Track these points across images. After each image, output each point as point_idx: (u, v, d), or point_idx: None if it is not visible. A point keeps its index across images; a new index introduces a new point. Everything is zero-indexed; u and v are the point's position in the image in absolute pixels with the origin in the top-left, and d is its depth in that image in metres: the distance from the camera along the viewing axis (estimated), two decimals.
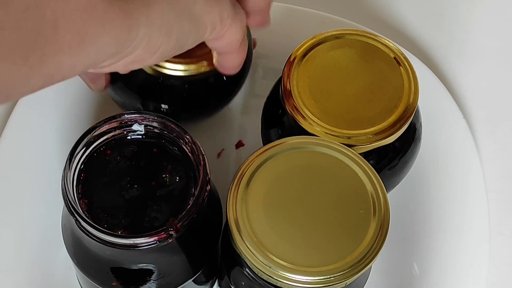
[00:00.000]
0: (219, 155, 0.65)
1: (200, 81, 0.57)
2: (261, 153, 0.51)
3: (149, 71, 0.55)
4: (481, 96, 0.70)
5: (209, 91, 0.59)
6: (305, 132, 0.53)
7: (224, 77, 0.58)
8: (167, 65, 0.55)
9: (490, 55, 0.72)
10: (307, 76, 0.55)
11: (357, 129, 0.53)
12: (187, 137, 0.50)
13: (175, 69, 0.55)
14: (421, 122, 0.58)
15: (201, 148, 0.50)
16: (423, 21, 0.73)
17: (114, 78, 0.58)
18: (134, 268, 0.50)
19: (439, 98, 0.66)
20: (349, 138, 0.53)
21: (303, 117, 0.53)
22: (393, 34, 0.71)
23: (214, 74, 0.56)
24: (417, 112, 0.57)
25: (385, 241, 0.49)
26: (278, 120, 0.57)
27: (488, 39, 0.73)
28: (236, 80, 0.60)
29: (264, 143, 0.58)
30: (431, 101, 0.65)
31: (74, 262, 0.52)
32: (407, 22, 0.73)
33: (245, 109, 0.66)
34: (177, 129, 0.51)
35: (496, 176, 0.66)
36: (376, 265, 0.50)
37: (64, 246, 0.53)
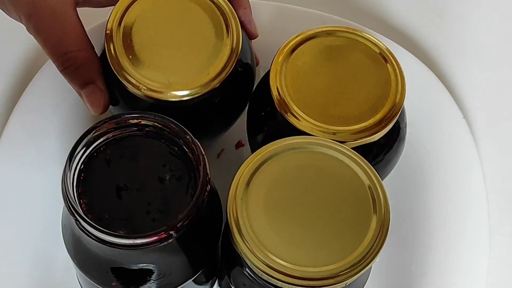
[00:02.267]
0: (219, 155, 0.65)
1: (202, 103, 0.56)
2: (261, 153, 0.51)
3: (148, 100, 0.55)
4: (481, 96, 0.70)
5: (211, 113, 0.58)
6: (291, 127, 0.53)
7: (226, 99, 0.57)
8: (167, 92, 0.54)
9: (490, 55, 0.72)
10: (296, 71, 0.55)
11: (342, 126, 0.53)
12: (187, 137, 0.50)
13: (175, 95, 0.54)
14: (406, 123, 0.58)
15: (201, 148, 0.50)
16: (423, 21, 0.73)
17: (116, 99, 0.57)
18: (134, 268, 0.51)
19: (439, 98, 0.66)
20: (334, 134, 0.53)
21: (289, 112, 0.53)
22: (393, 34, 0.71)
23: (216, 95, 0.56)
24: (403, 112, 0.57)
25: (385, 241, 0.49)
26: (264, 114, 0.57)
27: (488, 39, 0.73)
28: (241, 101, 0.60)
29: (250, 138, 0.59)
30: (431, 101, 0.65)
31: (74, 262, 0.52)
32: (407, 22, 0.73)
33: (245, 109, 0.66)
34: (177, 129, 0.50)
35: (496, 176, 0.66)
36: (376, 265, 0.50)
37: (64, 246, 0.53)
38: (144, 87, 0.54)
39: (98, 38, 0.58)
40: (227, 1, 0.56)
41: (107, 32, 0.55)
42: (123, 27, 0.55)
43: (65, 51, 0.55)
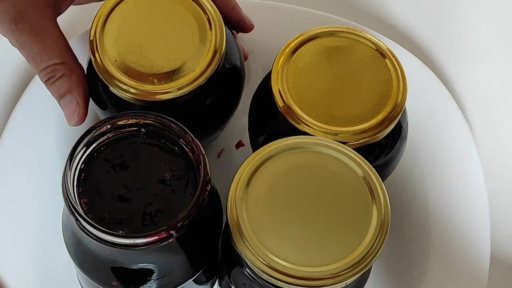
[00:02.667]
0: (219, 155, 0.65)
1: (191, 102, 0.56)
2: (261, 153, 0.51)
3: (138, 102, 0.55)
4: (481, 96, 0.70)
5: (201, 112, 0.58)
6: (293, 128, 0.53)
7: (214, 96, 0.57)
8: (155, 93, 0.54)
9: (490, 55, 0.72)
10: (297, 72, 0.55)
11: (344, 126, 0.53)
12: (188, 136, 0.50)
13: (163, 96, 0.54)
14: (407, 122, 0.58)
15: (202, 148, 0.50)
16: (423, 21, 0.73)
17: (105, 104, 0.57)
18: (134, 267, 0.50)
19: (439, 98, 0.66)
20: (336, 135, 0.53)
21: (293, 116, 0.53)
22: (393, 34, 0.71)
23: (204, 94, 0.56)
24: (404, 112, 0.57)
25: (385, 241, 0.49)
26: (266, 116, 0.57)
27: (488, 39, 0.73)
28: (231, 99, 0.60)
29: (251, 139, 0.58)
30: (431, 101, 0.65)
31: (75, 262, 0.52)
32: (407, 22, 0.73)
33: (245, 109, 0.66)
34: (177, 128, 0.51)
35: (496, 176, 0.66)
36: (376, 265, 0.50)
37: (64, 246, 0.53)
38: (132, 90, 0.54)
39: None
40: (210, 1, 0.56)
41: (91, 38, 0.55)
42: (107, 32, 0.55)
43: (46, 64, 0.56)
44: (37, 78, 0.64)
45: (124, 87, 0.54)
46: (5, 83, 0.68)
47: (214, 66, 0.55)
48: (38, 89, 0.64)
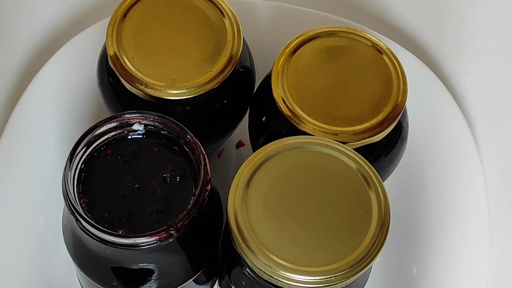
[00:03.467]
0: (219, 155, 0.65)
1: (204, 104, 0.56)
2: (261, 153, 0.51)
3: (153, 100, 0.55)
4: (481, 96, 0.70)
5: (215, 113, 0.58)
6: (293, 128, 0.53)
7: (229, 97, 0.57)
8: (172, 90, 0.54)
9: (490, 55, 0.72)
10: (298, 72, 0.55)
11: (344, 126, 0.53)
12: (188, 136, 0.50)
13: (179, 93, 0.54)
14: (408, 122, 0.58)
15: (202, 148, 0.50)
16: (423, 21, 0.73)
17: (117, 102, 0.57)
18: (134, 267, 0.51)
19: (439, 98, 0.66)
20: (336, 135, 0.53)
21: (292, 113, 0.53)
22: (393, 34, 0.71)
23: (215, 97, 0.56)
24: (405, 112, 0.57)
25: (385, 241, 0.49)
26: (266, 116, 0.57)
27: (488, 39, 0.73)
28: (244, 100, 0.60)
29: (252, 140, 0.59)
30: (431, 101, 0.65)
31: (75, 262, 0.52)
32: (407, 22, 0.73)
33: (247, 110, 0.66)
34: (177, 128, 0.51)
35: (496, 176, 0.66)
36: (376, 265, 0.50)
37: (64, 246, 0.53)
38: (148, 87, 0.54)
39: (99, 37, 0.58)
40: (229, 5, 0.57)
41: (109, 35, 0.55)
42: (124, 29, 0.55)
43: None
44: (37, 78, 0.65)
45: (141, 84, 0.54)
46: (5, 83, 0.68)
47: (231, 68, 0.55)
48: (38, 89, 0.64)
